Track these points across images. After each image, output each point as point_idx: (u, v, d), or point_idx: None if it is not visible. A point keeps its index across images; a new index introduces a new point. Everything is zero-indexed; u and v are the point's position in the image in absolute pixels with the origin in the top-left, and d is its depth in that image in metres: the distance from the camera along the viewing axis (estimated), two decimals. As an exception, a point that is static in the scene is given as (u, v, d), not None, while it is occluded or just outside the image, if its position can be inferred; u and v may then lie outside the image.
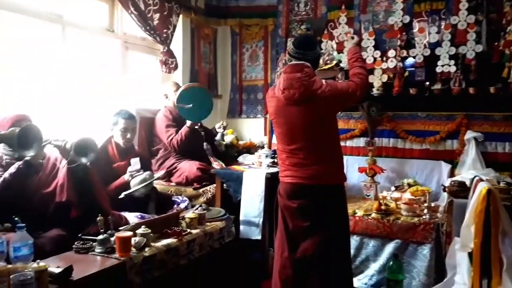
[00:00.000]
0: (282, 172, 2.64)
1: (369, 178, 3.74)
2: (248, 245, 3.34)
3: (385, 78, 3.81)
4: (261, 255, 3.38)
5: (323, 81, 2.51)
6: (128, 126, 3.13)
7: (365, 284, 3.16)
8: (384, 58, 3.83)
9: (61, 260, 1.98)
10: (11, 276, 1.62)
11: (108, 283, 1.97)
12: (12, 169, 2.26)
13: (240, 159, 4.23)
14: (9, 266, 1.70)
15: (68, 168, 2.37)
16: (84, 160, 2.37)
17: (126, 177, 2.98)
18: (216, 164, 3.84)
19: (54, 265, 1.81)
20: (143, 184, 2.89)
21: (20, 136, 1.97)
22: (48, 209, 2.35)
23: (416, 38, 3.77)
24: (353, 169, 3.91)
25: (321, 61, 3.76)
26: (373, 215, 3.17)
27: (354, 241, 3.18)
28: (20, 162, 2.27)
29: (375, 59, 3.87)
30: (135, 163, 3.02)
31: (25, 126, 2.04)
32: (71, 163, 2.36)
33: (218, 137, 4.14)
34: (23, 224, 1.83)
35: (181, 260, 2.47)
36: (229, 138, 4.42)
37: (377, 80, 3.82)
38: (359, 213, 3.22)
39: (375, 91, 3.80)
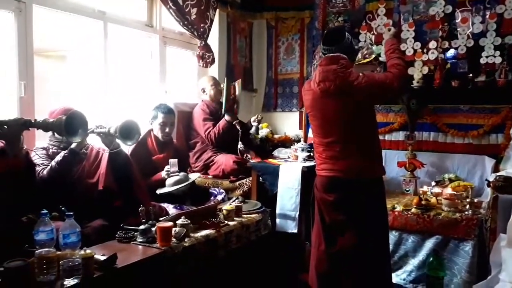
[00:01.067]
0: (318, 165, 2.63)
1: (409, 172, 3.66)
2: (284, 239, 3.35)
3: (425, 70, 3.71)
4: (297, 248, 3.38)
5: (360, 73, 2.46)
6: (167, 120, 3.20)
7: (404, 280, 3.11)
8: (425, 50, 3.74)
9: (105, 249, 2.05)
10: (60, 262, 1.70)
11: (150, 272, 2.03)
12: (58, 158, 2.38)
13: (275, 153, 4.23)
14: (59, 252, 1.77)
15: (109, 154, 2.45)
16: (129, 142, 2.45)
17: (163, 174, 3.07)
18: (251, 157, 3.85)
19: (99, 253, 1.88)
20: (176, 187, 2.97)
21: (67, 123, 2.05)
22: (91, 199, 2.43)
23: (458, 29, 3.66)
24: (392, 163, 3.83)
25: (359, 55, 3.71)
26: (413, 210, 3.10)
27: (393, 236, 3.13)
28: (65, 151, 2.39)
29: (415, 51, 3.78)
30: (173, 164, 3.09)
31: (70, 113, 2.12)
32: (113, 150, 2.44)
33: (252, 130, 4.16)
34: (71, 213, 1.90)
35: (219, 251, 2.50)
36: (264, 132, 4.43)
37: (417, 72, 3.72)
38: (398, 208, 3.15)
39: (415, 84, 3.70)
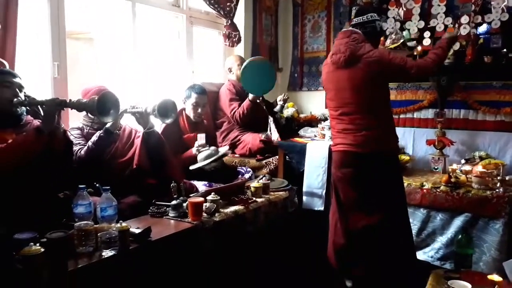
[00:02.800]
0: (333, 140, 2.71)
1: (438, 150, 3.60)
2: (311, 216, 3.38)
3: (457, 46, 3.61)
4: (323, 225, 3.40)
5: (376, 49, 2.50)
6: (199, 101, 3.25)
7: (431, 257, 3.10)
8: (456, 25, 3.63)
9: (139, 223, 2.12)
10: (98, 234, 1.78)
11: (182, 245, 2.09)
12: (94, 138, 2.46)
13: (301, 132, 4.24)
14: (96, 225, 1.85)
15: (143, 134, 2.54)
16: (167, 120, 2.54)
17: (193, 151, 3.12)
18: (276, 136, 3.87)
19: (134, 227, 1.95)
20: (207, 161, 3.01)
21: (100, 103, 2.10)
22: (123, 177, 2.51)
23: (492, 2, 3.53)
24: (421, 141, 3.80)
25: (388, 41, 3.67)
26: (442, 187, 3.06)
27: (420, 214, 3.12)
28: (101, 131, 2.46)
29: (446, 26, 3.68)
30: (201, 138, 3.14)
31: (103, 94, 2.16)
32: (148, 129, 2.52)
33: (277, 108, 4.16)
34: (108, 187, 1.97)
35: (248, 227, 2.55)
36: (289, 111, 4.43)
37: (448, 48, 3.63)
38: (427, 185, 3.12)
39: (446, 60, 3.60)
